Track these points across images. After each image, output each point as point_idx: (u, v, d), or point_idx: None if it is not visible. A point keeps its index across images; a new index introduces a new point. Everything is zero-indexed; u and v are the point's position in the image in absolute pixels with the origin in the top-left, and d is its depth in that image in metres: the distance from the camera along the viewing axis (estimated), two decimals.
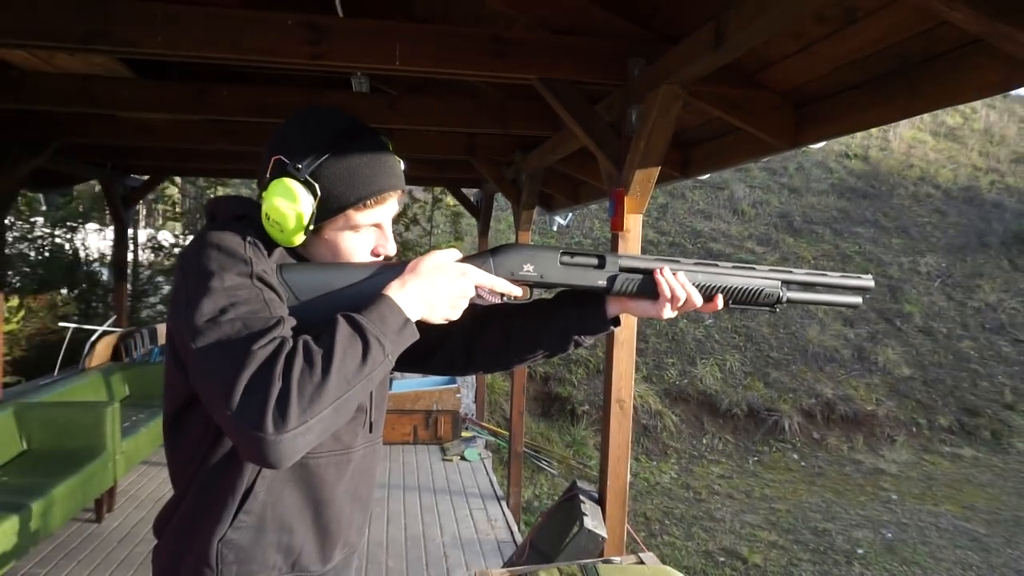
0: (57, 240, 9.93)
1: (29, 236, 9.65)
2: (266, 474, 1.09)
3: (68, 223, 10.01)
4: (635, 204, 2.67)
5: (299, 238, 1.10)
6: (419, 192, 11.22)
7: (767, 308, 1.26)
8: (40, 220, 9.81)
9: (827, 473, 9.01)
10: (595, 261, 1.22)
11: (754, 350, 10.63)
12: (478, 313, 1.31)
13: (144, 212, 13.00)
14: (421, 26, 2.86)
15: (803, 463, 9.27)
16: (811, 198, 13.50)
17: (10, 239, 9.12)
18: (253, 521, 1.10)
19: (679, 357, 10.33)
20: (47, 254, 9.70)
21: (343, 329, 0.96)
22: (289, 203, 1.07)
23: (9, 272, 8.76)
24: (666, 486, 8.43)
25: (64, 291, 9.27)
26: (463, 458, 6.26)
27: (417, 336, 1.05)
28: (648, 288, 1.22)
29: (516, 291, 1.19)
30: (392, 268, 1.11)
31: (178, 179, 11.74)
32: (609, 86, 2.90)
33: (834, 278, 1.28)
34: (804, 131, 2.82)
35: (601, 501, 2.80)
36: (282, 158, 1.09)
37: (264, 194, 1.10)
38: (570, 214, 12.31)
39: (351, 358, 0.94)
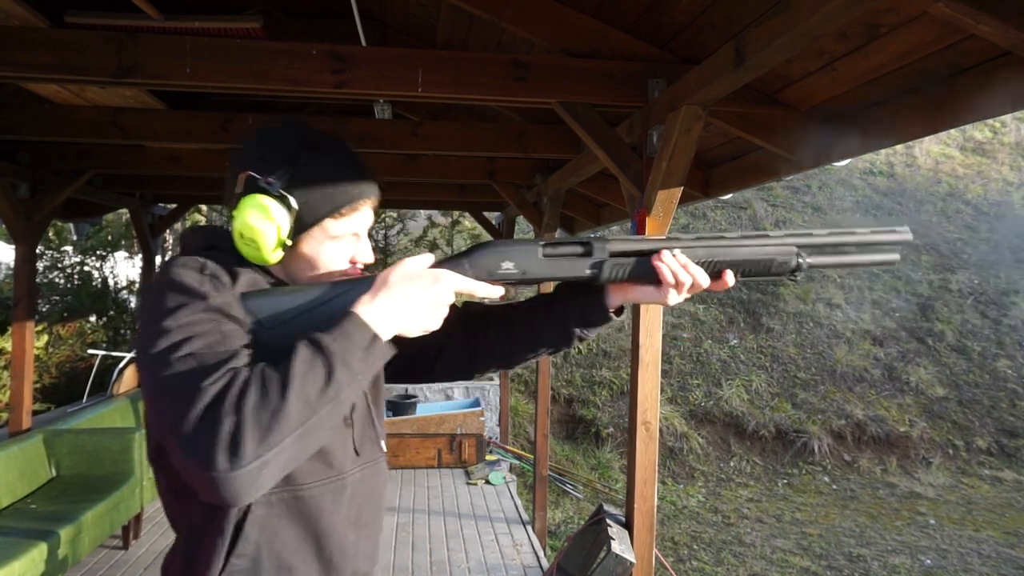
0: (86, 268, 10.13)
1: (59, 265, 9.86)
2: (256, 512, 1.02)
3: (97, 252, 10.22)
4: (657, 225, 2.66)
5: (277, 254, 1.07)
6: (438, 216, 11.30)
7: (785, 278, 1.14)
8: (70, 249, 10.01)
9: (860, 496, 8.79)
10: (579, 249, 1.11)
11: (780, 370, 10.46)
12: (476, 314, 1.28)
13: (171, 240, 13.23)
14: (443, 53, 2.91)
15: (834, 486, 9.06)
16: (835, 216, 13.34)
17: (41, 268, 9.32)
18: (247, 564, 1.03)
19: (704, 378, 10.20)
20: (77, 282, 9.89)
21: (302, 352, 0.91)
22: (264, 218, 1.04)
23: (39, 300, 8.94)
24: (693, 510, 8.29)
25: (93, 318, 9.42)
26: (488, 482, 6.21)
27: (391, 351, 1.00)
28: (645, 272, 1.11)
29: (497, 292, 1.12)
30: (361, 283, 1.05)
31: (204, 207, 11.95)
32: (629, 108, 2.90)
33: (863, 234, 1.15)
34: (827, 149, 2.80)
35: (628, 525, 2.76)
36: (252, 174, 1.06)
37: (235, 213, 1.06)
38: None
39: (312, 382, 0.89)
